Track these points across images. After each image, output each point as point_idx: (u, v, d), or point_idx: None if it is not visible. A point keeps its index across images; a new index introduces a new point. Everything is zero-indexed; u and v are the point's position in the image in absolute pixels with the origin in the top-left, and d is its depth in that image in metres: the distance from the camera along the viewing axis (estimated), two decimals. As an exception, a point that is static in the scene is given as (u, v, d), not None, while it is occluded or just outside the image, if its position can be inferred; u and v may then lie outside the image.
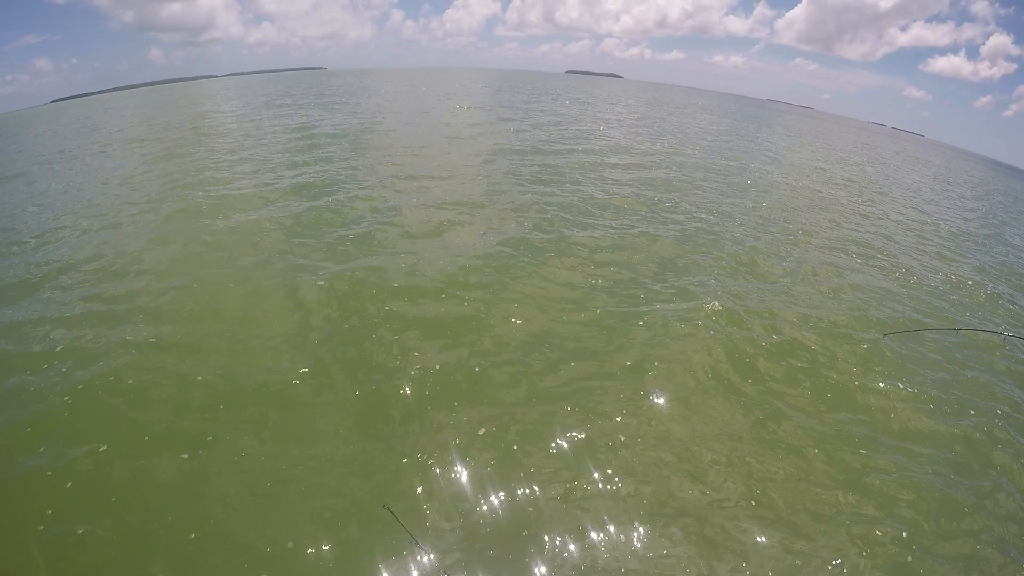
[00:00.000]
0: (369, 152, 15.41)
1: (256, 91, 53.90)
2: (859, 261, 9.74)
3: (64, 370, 5.31)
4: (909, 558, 3.74)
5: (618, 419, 4.79)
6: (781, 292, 7.85)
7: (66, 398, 4.88)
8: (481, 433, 4.54)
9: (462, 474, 4.16)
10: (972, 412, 5.51)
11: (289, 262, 7.63)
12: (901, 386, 5.72)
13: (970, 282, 9.59)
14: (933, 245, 11.99)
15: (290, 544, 3.56)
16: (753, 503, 4.05)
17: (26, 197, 12.67)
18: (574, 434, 4.58)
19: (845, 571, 3.59)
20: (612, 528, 3.78)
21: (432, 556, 3.48)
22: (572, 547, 3.63)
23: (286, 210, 9.89)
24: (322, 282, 6.98)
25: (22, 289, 7.28)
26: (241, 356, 5.51)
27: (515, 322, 6.25)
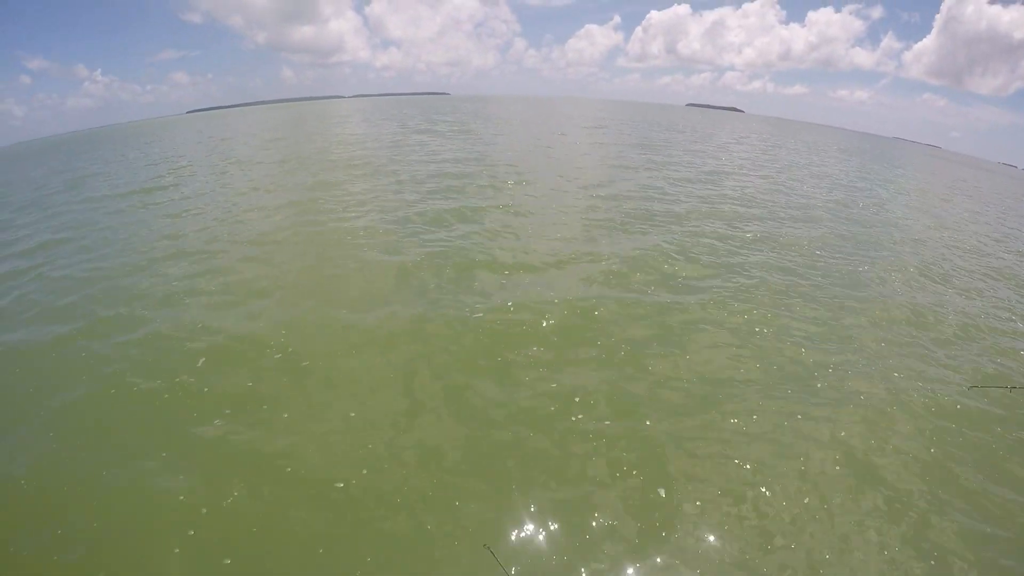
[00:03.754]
0: (509, 193, 14.41)
1: (387, 113, 55.51)
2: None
3: (206, 389, 5.38)
4: None
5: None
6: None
7: (205, 429, 4.89)
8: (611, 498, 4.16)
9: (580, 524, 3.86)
10: None
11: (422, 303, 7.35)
12: None
13: None
14: None
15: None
16: None
17: (172, 208, 13.76)
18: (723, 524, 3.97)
19: None
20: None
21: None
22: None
23: (431, 248, 9.59)
24: (478, 313, 6.96)
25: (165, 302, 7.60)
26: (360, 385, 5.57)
27: (675, 374, 5.86)
